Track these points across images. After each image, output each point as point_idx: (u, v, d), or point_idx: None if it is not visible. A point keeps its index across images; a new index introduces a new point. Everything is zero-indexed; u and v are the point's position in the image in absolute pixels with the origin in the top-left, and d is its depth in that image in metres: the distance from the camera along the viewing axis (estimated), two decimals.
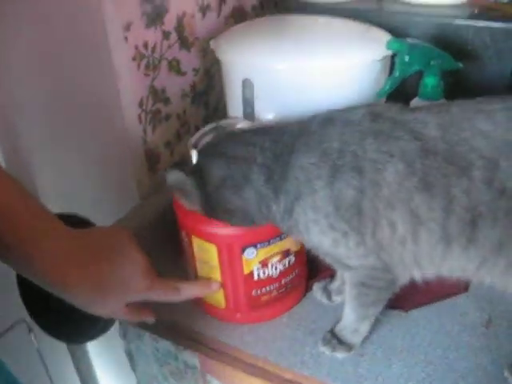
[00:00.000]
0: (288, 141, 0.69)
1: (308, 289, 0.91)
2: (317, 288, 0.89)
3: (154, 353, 0.93)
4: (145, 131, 0.96)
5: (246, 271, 0.80)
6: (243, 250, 0.78)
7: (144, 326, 0.86)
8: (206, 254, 0.80)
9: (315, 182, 0.67)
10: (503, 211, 0.63)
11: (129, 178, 0.96)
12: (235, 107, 0.97)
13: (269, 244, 0.79)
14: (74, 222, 0.62)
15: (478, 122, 0.63)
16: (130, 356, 0.99)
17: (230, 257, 0.79)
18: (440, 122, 0.64)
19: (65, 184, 1.05)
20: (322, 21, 1.05)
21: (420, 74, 0.92)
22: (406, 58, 0.86)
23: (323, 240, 0.71)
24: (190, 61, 1.03)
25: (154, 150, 0.99)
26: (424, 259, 0.69)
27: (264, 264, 0.80)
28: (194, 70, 1.05)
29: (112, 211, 1.00)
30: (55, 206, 0.61)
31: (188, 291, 0.73)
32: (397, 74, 0.88)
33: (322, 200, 0.67)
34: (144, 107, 0.94)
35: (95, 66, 0.86)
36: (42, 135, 0.97)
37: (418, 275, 0.72)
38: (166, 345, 0.89)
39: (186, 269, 0.87)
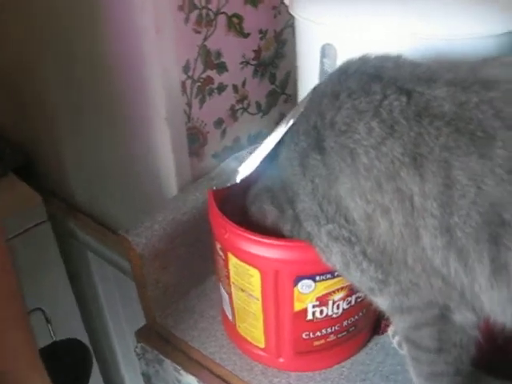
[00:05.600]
0: None
1: (379, 330, 0.69)
2: (393, 333, 0.68)
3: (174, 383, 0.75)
4: (189, 104, 0.75)
5: (298, 308, 0.60)
6: (296, 282, 0.57)
7: (165, 352, 0.69)
8: (246, 279, 0.59)
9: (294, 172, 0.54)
10: None
11: (165, 162, 0.76)
12: (308, 82, 0.74)
13: (332, 277, 0.57)
14: (70, 348, 0.57)
15: None
16: (147, 378, 0.81)
17: (278, 288, 0.58)
18: (454, 77, 0.45)
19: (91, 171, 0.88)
20: None
21: None
22: None
23: (333, 258, 0.53)
24: (256, 19, 0.81)
25: (200, 128, 0.78)
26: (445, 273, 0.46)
27: (323, 301, 0.59)
28: (261, 31, 0.83)
29: (145, 204, 0.81)
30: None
31: None
32: None
33: (307, 199, 0.52)
34: (190, 73, 0.73)
35: (125, 14, 0.66)
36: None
37: (471, 315, 0.49)
38: (189, 380, 0.71)
39: (219, 287, 0.66)
